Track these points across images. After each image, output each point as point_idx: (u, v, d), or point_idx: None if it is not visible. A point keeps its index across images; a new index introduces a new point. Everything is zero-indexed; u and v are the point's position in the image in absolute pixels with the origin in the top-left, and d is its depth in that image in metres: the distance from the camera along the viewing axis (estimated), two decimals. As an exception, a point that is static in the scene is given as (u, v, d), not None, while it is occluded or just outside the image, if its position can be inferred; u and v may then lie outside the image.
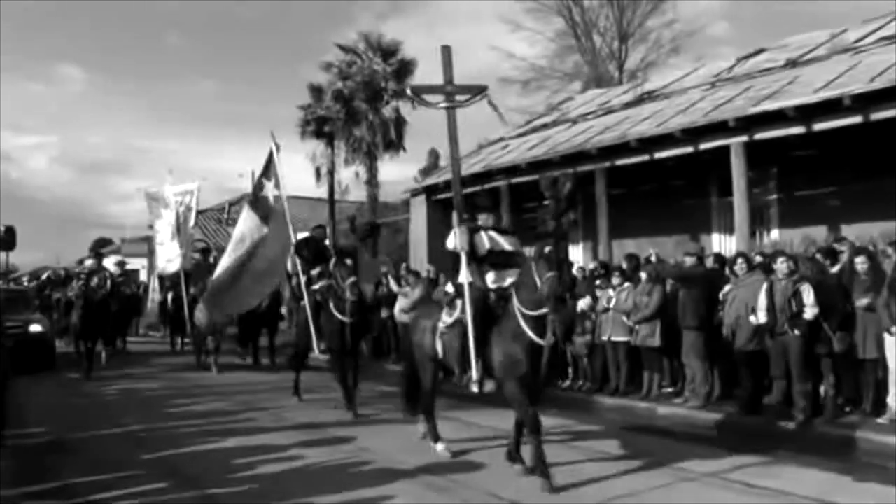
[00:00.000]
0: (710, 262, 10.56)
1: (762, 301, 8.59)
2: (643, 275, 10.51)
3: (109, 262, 19.06)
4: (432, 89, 7.73)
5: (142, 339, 21.50)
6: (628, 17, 31.57)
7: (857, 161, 12.11)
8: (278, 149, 11.82)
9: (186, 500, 6.05)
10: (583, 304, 11.19)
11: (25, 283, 27.85)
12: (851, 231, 11.41)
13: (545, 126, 19.49)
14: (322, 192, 26.47)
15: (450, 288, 7.37)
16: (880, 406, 8.19)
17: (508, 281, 6.75)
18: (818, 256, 9.45)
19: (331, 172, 25.69)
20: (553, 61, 32.43)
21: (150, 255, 34.20)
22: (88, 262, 16.10)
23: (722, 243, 14.47)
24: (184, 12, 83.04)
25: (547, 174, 14.96)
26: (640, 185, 15.53)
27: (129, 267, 21.83)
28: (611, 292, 10.74)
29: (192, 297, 15.28)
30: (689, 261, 10.06)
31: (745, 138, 12.34)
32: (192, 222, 17.34)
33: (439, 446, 7.50)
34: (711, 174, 14.21)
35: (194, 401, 10.94)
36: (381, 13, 63.97)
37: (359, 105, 24.45)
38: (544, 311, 6.24)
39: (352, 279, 9.74)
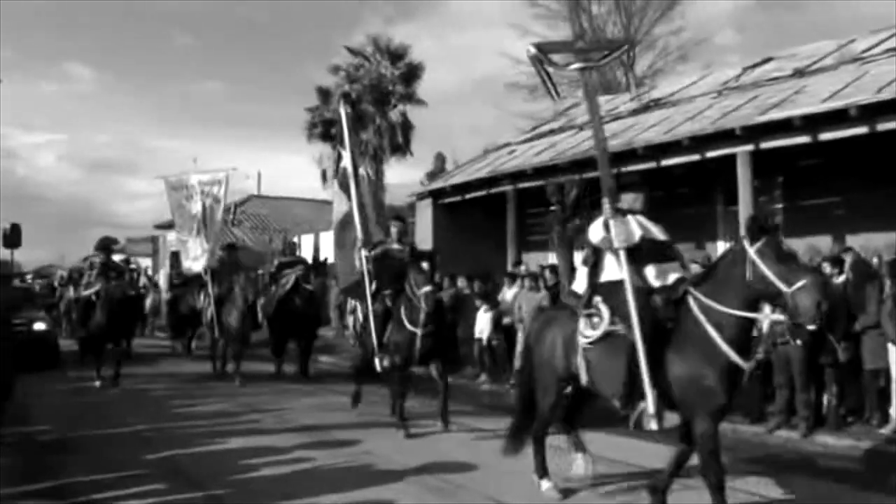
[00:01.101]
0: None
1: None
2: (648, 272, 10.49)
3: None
4: (562, 47, 6.73)
5: (149, 342, 20.79)
6: (636, 24, 31.53)
7: (862, 171, 12.10)
8: (348, 113, 10.62)
9: (189, 501, 6.08)
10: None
11: (29, 281, 28.00)
12: (856, 241, 11.40)
13: (552, 132, 19.49)
14: (328, 194, 26.50)
15: (580, 287, 5.96)
16: (884, 416, 8.19)
17: (672, 277, 5.48)
18: (825, 266, 9.45)
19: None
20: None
21: (155, 254, 34.45)
22: (97, 259, 14.96)
23: (727, 252, 14.45)
24: (193, 13, 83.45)
25: (553, 180, 14.96)
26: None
27: (132, 266, 21.43)
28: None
29: (218, 297, 13.98)
30: (694, 269, 10.06)
31: (751, 147, 12.33)
32: (219, 216, 15.22)
33: (545, 484, 6.24)
34: (717, 182, 14.19)
35: (197, 401, 10.97)
36: (389, 17, 64.19)
37: (366, 108, 24.51)
38: (756, 315, 5.12)
39: (428, 287, 8.60)
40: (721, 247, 14.80)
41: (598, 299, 5.63)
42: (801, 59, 15.83)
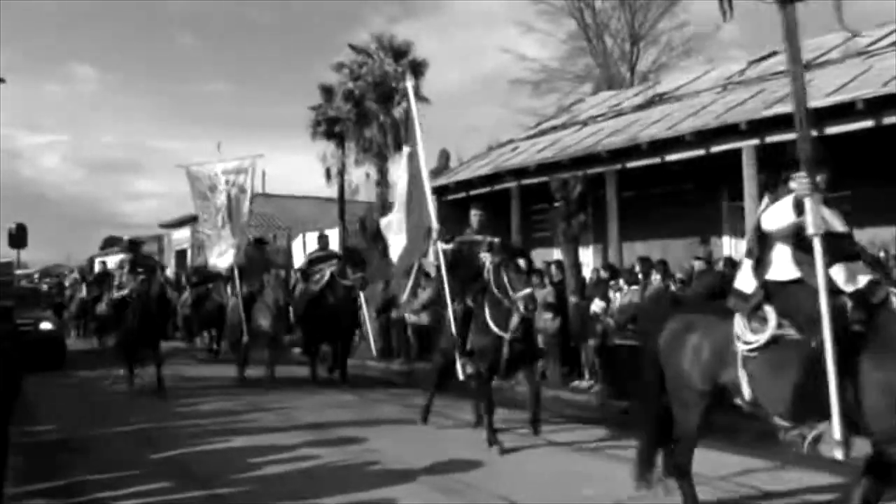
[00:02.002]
0: (720, 266, 10.53)
1: None
2: (654, 277, 10.49)
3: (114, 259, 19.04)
4: None
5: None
6: (640, 19, 31.53)
7: (868, 165, 12.03)
8: (414, 86, 9.79)
9: (193, 500, 6.06)
10: (595, 306, 11.23)
11: (36, 281, 28.07)
12: (863, 235, 11.31)
13: (555, 128, 19.47)
14: (332, 192, 26.51)
15: (748, 285, 4.75)
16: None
17: (863, 279, 4.39)
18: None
19: (341, 173, 25.73)
20: (564, 63, 32.44)
21: (160, 254, 34.48)
22: (122, 256, 14.72)
23: (732, 247, 14.42)
24: (197, 13, 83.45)
25: (557, 176, 14.90)
26: (651, 188, 15.49)
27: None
28: (618, 295, 10.73)
29: (247, 296, 12.87)
30: (698, 265, 10.05)
31: (756, 142, 12.29)
32: (246, 207, 13.71)
33: None
34: (722, 178, 14.15)
35: (202, 400, 10.97)
36: (393, 16, 64.12)
37: (370, 105, 24.49)
38: None
39: (528, 290, 7.54)
40: (726, 242, 14.78)
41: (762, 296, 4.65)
42: (806, 52, 15.66)
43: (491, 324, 7.72)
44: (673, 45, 31.35)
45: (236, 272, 13.06)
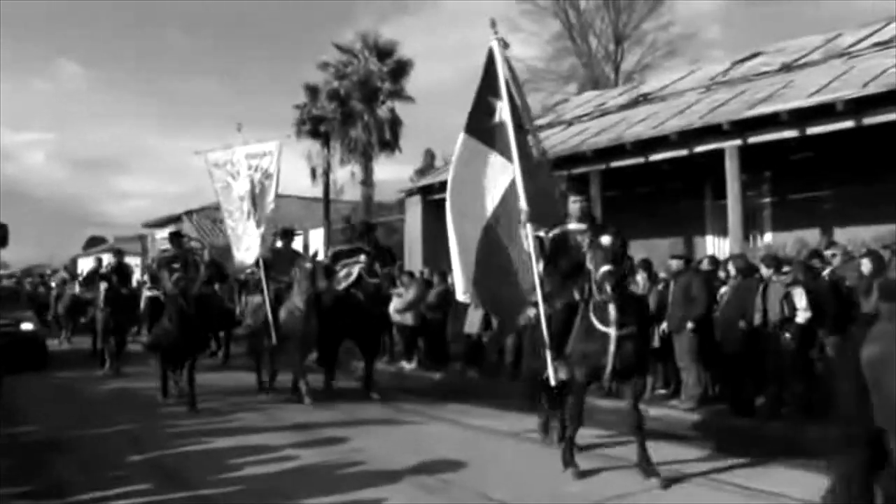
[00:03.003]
0: (705, 265, 10.59)
1: (802, 301, 8.46)
2: (639, 277, 10.54)
3: (107, 257, 18.60)
4: None
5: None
6: (624, 19, 31.70)
7: (850, 165, 12.17)
8: (505, 56, 7.71)
9: (178, 501, 6.04)
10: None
11: (16, 281, 27.78)
12: (844, 234, 11.47)
13: (540, 128, 19.46)
14: (317, 191, 26.52)
15: None
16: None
17: None
18: (815, 261, 9.50)
19: (326, 172, 25.76)
20: (549, 63, 32.53)
21: (144, 254, 34.28)
22: (164, 245, 14.29)
23: (716, 246, 14.52)
24: (184, 12, 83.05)
25: (542, 176, 14.94)
26: (636, 188, 15.57)
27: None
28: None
29: (274, 294, 11.26)
30: (676, 263, 10.13)
31: (739, 142, 12.38)
32: (272, 195, 12.07)
33: None
34: (706, 177, 14.25)
35: (186, 400, 10.90)
36: (381, 14, 64.02)
37: (355, 105, 24.51)
38: None
39: (606, 267, 6.34)
40: (710, 241, 14.88)
41: None
42: (788, 53, 15.89)
43: (595, 321, 6.59)
44: (657, 45, 31.58)
45: (262, 267, 11.49)
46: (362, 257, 11.78)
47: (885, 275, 8.37)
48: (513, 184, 7.17)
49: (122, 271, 15.40)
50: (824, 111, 11.23)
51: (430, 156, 33.10)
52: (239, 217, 12.20)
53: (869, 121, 10.84)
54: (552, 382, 6.92)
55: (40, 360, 14.71)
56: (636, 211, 15.35)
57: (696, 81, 17.15)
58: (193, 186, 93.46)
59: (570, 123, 18.36)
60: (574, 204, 7.22)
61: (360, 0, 67.90)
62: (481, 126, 7.45)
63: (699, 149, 13.02)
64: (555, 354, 6.88)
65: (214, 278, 14.04)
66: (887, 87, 10.62)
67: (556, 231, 7.13)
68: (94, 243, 48.32)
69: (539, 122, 20.68)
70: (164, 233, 34.78)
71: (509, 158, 7.20)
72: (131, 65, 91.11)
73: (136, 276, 22.16)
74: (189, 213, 32.77)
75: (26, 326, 15.12)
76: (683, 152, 13.28)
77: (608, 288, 6.28)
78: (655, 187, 15.30)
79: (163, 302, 10.66)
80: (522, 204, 7.06)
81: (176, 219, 33.15)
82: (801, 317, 8.25)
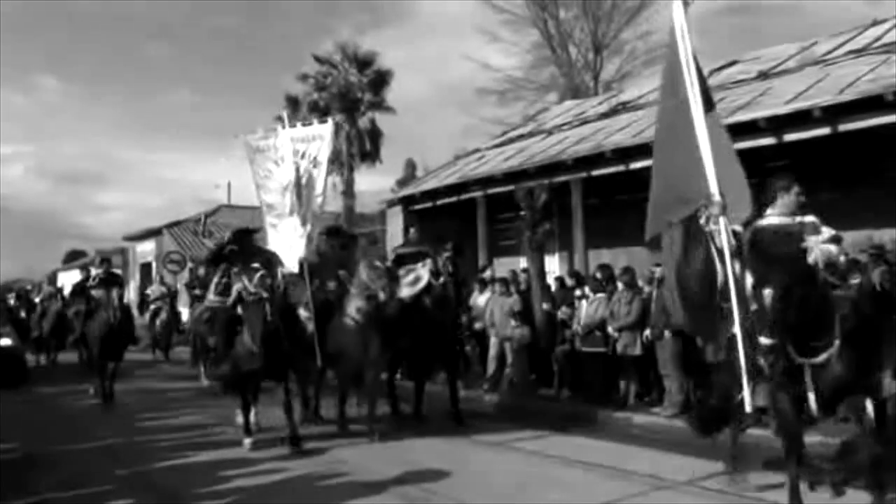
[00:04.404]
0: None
1: None
2: (620, 284, 10.60)
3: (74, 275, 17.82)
4: None
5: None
6: (603, 28, 31.87)
7: (826, 172, 12.27)
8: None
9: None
10: (561, 313, 11.32)
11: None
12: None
13: (521, 137, 19.59)
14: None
15: None
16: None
17: None
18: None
19: (307, 183, 25.69)
20: (529, 72, 32.67)
21: (124, 266, 34.06)
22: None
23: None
24: (162, 23, 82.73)
25: (522, 185, 15.00)
26: (616, 196, 15.63)
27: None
28: (584, 303, 10.81)
29: (321, 305, 9.45)
30: (659, 271, 10.19)
31: (717, 149, 12.46)
32: (320, 186, 10.24)
33: None
34: (685, 184, 14.33)
35: (169, 414, 10.84)
36: (360, 26, 64.10)
37: (335, 116, 24.53)
38: None
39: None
40: (690, 248, 14.94)
41: None
42: (764, 61, 16.05)
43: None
44: (636, 54, 31.77)
45: (306, 272, 9.49)
46: (428, 261, 10.06)
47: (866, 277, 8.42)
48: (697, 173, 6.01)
49: (113, 281, 13.12)
50: (801, 118, 11.34)
51: (410, 166, 33.15)
52: (281, 212, 10.20)
53: (844, 127, 10.96)
54: (747, 408, 5.60)
55: (20, 375, 14.56)
56: (617, 218, 15.41)
57: (675, 90, 17.28)
58: (172, 199, 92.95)
59: (550, 132, 18.44)
60: (789, 196, 6.02)
61: (341, 8, 67.94)
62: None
63: (678, 156, 13.10)
64: (751, 372, 5.56)
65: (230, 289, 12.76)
66: (862, 94, 10.75)
67: (759, 224, 5.95)
68: (74, 257, 47.91)
69: (520, 131, 20.86)
70: (144, 246, 34.68)
71: (694, 143, 6.04)
72: (109, 78, 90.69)
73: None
74: (170, 226, 32.64)
75: (4, 342, 14.97)
76: (663, 160, 13.35)
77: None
78: (636, 195, 15.32)
79: (228, 314, 8.72)
80: (715, 193, 5.87)
81: (157, 232, 33.00)
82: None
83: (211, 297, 9.96)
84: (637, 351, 10.17)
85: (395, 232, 19.53)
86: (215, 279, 9.94)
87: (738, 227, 5.87)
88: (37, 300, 20.94)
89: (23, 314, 20.23)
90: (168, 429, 9.67)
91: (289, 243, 9.83)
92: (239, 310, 8.48)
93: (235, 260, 9.14)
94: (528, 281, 12.62)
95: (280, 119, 10.77)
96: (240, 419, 8.83)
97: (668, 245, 6.29)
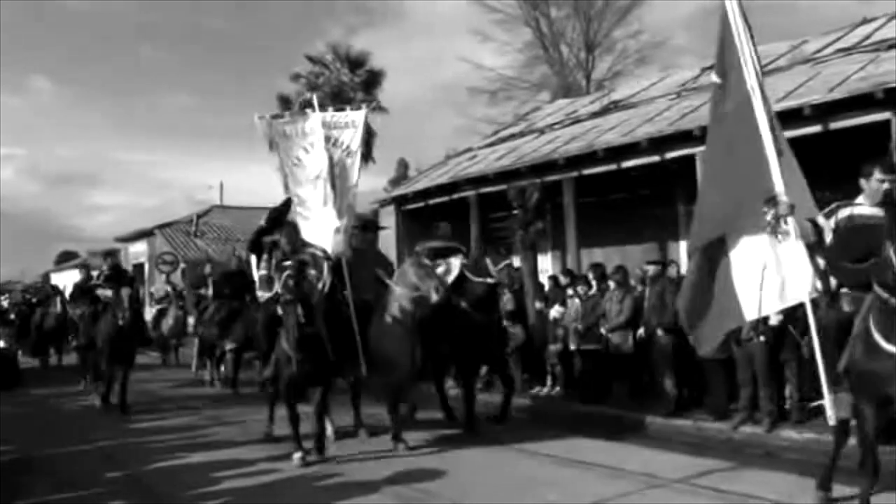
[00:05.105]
0: (671, 271, 10.68)
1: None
2: (611, 283, 10.62)
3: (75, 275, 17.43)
4: None
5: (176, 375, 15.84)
6: (595, 28, 31.88)
7: (817, 169, 12.27)
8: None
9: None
10: (554, 312, 11.34)
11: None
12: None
13: (513, 136, 19.59)
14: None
15: None
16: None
17: None
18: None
19: (299, 184, 25.64)
20: (521, 72, 32.66)
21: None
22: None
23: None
24: (155, 25, 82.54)
25: (514, 184, 15.02)
26: (608, 195, 15.65)
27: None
28: (577, 301, 10.83)
29: (361, 305, 8.54)
30: (652, 269, 10.24)
31: (709, 147, 12.48)
32: (354, 176, 9.56)
33: None
34: (678, 183, 14.35)
35: (161, 415, 10.82)
36: (352, 26, 64.01)
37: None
38: None
39: None
40: (683, 246, 14.97)
41: None
42: (755, 59, 16.08)
43: (877, 337, 4.86)
44: (627, 53, 31.80)
45: (345, 270, 8.61)
46: (460, 255, 9.38)
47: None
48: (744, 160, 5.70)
49: (122, 278, 11.95)
50: (792, 116, 11.36)
51: (403, 166, 33.07)
52: (313, 205, 9.36)
53: (835, 125, 11.00)
54: (830, 421, 5.33)
55: (12, 377, 14.51)
56: (609, 217, 15.45)
57: (667, 88, 17.31)
58: (165, 200, 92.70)
59: (541, 132, 18.45)
60: (881, 183, 5.43)
61: (333, 10, 67.81)
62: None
63: (670, 155, 13.12)
64: (832, 378, 5.22)
65: (243, 289, 12.55)
66: (852, 92, 10.79)
67: (842, 214, 5.54)
68: (66, 258, 47.80)
69: (511, 130, 20.86)
70: (136, 247, 34.57)
71: (758, 143, 5.62)
72: (102, 79, 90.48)
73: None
74: (161, 226, 32.55)
75: (-4, 344, 14.91)
76: (655, 158, 13.38)
77: None
78: (628, 194, 15.39)
79: (270, 313, 8.05)
80: (782, 192, 5.55)
81: (148, 233, 32.92)
82: (774, 319, 8.34)
83: (259, 292, 8.67)
84: (629, 349, 10.20)
85: (388, 231, 19.52)
86: (261, 272, 8.56)
87: (821, 219, 5.56)
88: (35, 300, 20.66)
89: (12, 316, 20.01)
90: (162, 430, 9.66)
91: (323, 238, 8.83)
92: (279, 310, 7.66)
93: (274, 251, 8.17)
94: (520, 280, 12.64)
95: (309, 103, 10.07)
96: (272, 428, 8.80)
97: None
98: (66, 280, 21.75)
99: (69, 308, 15.55)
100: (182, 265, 13.56)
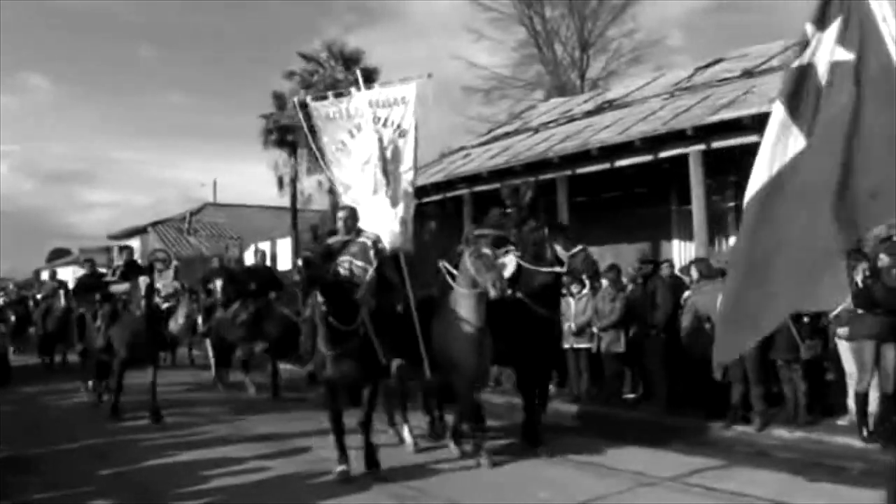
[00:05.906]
0: (665, 269, 10.69)
1: None
2: (604, 281, 10.62)
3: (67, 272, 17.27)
4: None
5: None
6: (589, 27, 31.91)
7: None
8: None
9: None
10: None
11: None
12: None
13: (507, 135, 19.59)
14: (285, 201, 26.26)
15: None
16: (839, 408, 8.39)
17: None
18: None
19: (293, 181, 25.57)
20: (515, 70, 32.69)
21: (109, 265, 33.92)
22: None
23: (682, 250, 14.65)
24: (151, 24, 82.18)
25: (508, 183, 15.02)
26: (602, 193, 15.66)
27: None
28: (570, 300, 10.82)
29: (421, 303, 7.82)
30: (645, 268, 10.25)
31: (703, 147, 12.50)
32: (409, 159, 8.57)
33: None
34: (671, 182, 14.37)
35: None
36: (348, 25, 63.87)
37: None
38: None
39: None
40: (676, 246, 15.00)
41: None
42: (750, 59, 16.12)
43: None
44: (622, 52, 31.84)
45: (403, 265, 7.94)
46: (511, 248, 8.55)
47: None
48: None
49: (138, 272, 11.08)
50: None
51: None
52: (362, 192, 8.41)
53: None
54: None
55: (3, 375, 14.44)
56: (603, 216, 15.46)
57: (661, 88, 17.33)
58: (158, 198, 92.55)
59: (536, 130, 18.46)
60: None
61: (330, 9, 67.71)
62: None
63: (664, 154, 13.13)
64: None
65: (267, 286, 12.28)
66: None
67: None
68: (58, 255, 47.51)
69: (506, 128, 20.87)
70: (129, 244, 34.47)
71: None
72: (97, 77, 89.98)
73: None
74: (155, 224, 32.50)
75: (-15, 340, 14.82)
76: (648, 158, 13.39)
77: None
78: (621, 193, 15.40)
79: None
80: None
81: (142, 230, 32.86)
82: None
83: None
84: (621, 349, 10.20)
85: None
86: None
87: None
88: (38, 296, 20.27)
89: (12, 316, 19.73)
90: (152, 429, 9.63)
91: (376, 229, 7.85)
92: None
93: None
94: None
95: (356, 81, 9.17)
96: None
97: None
98: (62, 277, 21.57)
99: (72, 304, 14.67)
100: (175, 263, 13.05)
